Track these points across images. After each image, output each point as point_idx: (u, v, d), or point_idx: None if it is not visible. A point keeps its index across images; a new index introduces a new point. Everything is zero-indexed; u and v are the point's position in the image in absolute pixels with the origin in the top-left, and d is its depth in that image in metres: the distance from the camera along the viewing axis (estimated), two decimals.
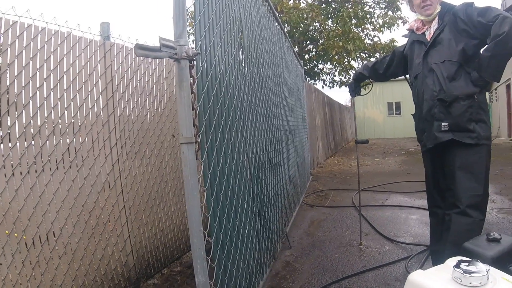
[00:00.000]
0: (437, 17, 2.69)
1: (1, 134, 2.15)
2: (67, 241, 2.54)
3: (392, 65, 3.20)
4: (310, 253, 3.84)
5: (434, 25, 2.71)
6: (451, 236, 2.52)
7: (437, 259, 2.75)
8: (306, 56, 16.42)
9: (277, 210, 3.89)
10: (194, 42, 2.04)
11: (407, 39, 3.05)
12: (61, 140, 2.56)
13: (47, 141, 2.46)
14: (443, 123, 2.57)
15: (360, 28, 15.73)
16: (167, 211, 3.66)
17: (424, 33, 2.79)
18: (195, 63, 1.74)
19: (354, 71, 15.82)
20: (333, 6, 16.16)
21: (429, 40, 2.71)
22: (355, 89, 3.61)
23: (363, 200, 5.32)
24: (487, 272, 1.30)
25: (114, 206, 2.98)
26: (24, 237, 2.25)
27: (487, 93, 2.73)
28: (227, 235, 2.29)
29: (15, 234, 2.20)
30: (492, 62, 2.39)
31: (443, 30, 2.63)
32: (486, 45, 2.45)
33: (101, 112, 2.92)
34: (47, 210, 2.40)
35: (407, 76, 3.19)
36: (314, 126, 10.30)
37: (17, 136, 2.25)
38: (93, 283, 2.75)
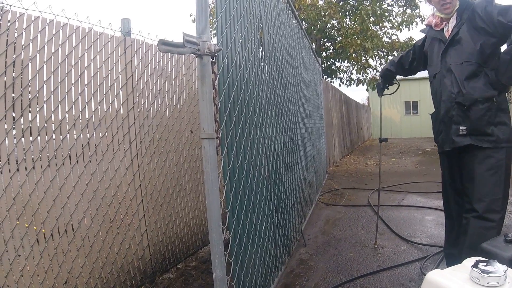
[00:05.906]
0: (455, 14, 2.62)
1: (23, 127, 2.18)
2: (85, 233, 2.58)
3: (415, 59, 3.14)
4: (325, 251, 3.83)
5: (452, 22, 2.63)
6: (468, 240, 2.45)
7: (452, 262, 2.65)
8: (324, 53, 16.33)
9: (293, 207, 3.89)
10: (216, 38, 2.05)
11: (424, 34, 3.00)
12: (81, 135, 2.59)
13: (68, 135, 2.49)
14: (461, 127, 2.50)
15: (378, 26, 15.59)
16: (184, 206, 3.69)
17: (442, 30, 2.73)
18: (216, 59, 1.75)
19: (371, 69, 15.81)
20: (351, 3, 16.03)
21: (447, 37, 2.65)
22: (383, 87, 3.50)
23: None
24: (504, 272, 1.29)
25: (132, 200, 3.01)
26: (43, 230, 2.28)
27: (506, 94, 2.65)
28: (244, 231, 2.30)
29: (34, 227, 2.23)
30: (511, 66, 2.28)
31: (461, 27, 2.55)
32: (506, 47, 2.34)
33: (121, 108, 2.96)
34: (66, 203, 2.44)
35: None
36: (331, 125, 10.25)
37: (38, 130, 2.29)
38: (110, 276, 2.78)
